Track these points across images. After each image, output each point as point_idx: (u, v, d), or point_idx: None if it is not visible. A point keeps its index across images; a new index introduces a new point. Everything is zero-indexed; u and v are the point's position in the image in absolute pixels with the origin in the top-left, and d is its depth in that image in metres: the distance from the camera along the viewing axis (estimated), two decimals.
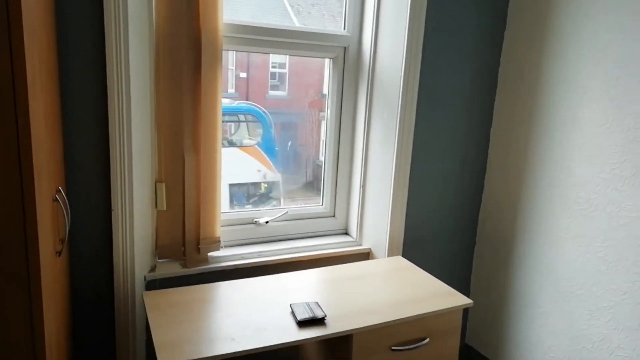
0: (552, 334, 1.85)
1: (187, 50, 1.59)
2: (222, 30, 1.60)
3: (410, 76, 1.81)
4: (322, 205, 2.10)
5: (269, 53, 1.88)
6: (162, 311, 1.38)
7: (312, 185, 2.10)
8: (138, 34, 1.46)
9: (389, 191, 1.90)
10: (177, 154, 1.65)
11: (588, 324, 1.72)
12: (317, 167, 2.09)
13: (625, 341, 1.61)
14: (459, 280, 2.20)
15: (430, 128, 1.94)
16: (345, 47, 1.94)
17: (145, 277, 1.63)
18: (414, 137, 1.91)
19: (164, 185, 1.66)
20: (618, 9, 1.59)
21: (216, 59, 1.61)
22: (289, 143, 2.04)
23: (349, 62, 1.96)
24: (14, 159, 0.89)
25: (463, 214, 2.12)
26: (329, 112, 2.01)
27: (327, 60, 1.97)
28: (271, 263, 1.83)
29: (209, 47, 1.59)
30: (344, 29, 1.95)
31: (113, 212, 1.50)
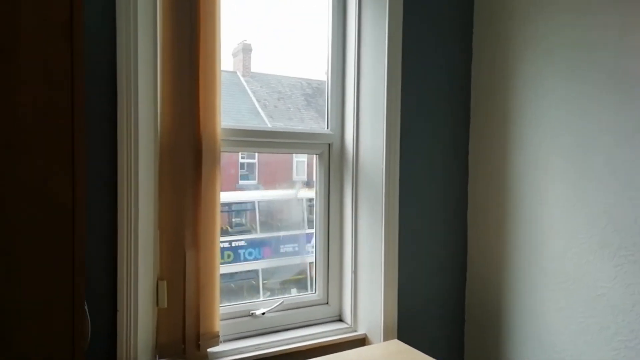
0: None
1: (188, 156, 1.72)
2: (220, 135, 1.76)
3: (391, 167, 1.99)
4: (315, 293, 2.16)
5: (261, 152, 2.04)
6: None
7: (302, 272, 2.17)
8: (145, 145, 1.60)
9: (380, 276, 2.00)
10: (179, 250, 1.72)
11: None
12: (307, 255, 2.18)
13: None
14: (452, 358, 2.23)
15: (413, 214, 2.09)
16: (329, 144, 2.13)
17: None
18: (399, 223, 2.04)
19: (165, 282, 1.70)
20: (569, 96, 1.85)
21: (215, 162, 1.75)
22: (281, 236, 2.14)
23: (334, 157, 2.13)
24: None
25: (451, 292, 2.22)
26: (317, 204, 2.14)
27: (313, 156, 2.15)
28: (269, 356, 1.84)
29: (209, 151, 1.73)
30: (327, 127, 2.15)
31: (118, 313, 1.53)
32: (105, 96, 1.53)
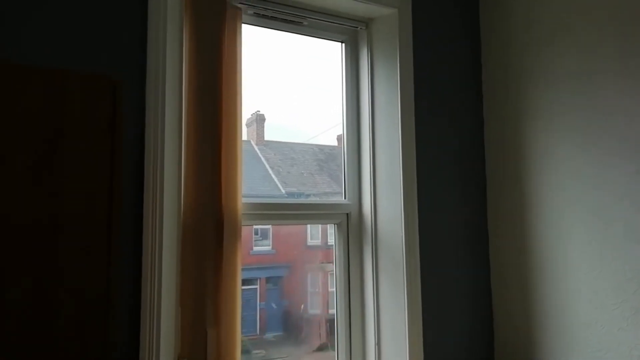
0: None
1: (209, 231, 1.75)
2: (241, 210, 1.80)
3: (410, 236, 1.99)
4: None
5: (280, 225, 2.06)
6: None
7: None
8: (169, 224, 1.64)
9: (405, 348, 1.94)
10: (200, 328, 1.71)
11: None
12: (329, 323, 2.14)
13: None
14: None
15: (436, 284, 2.06)
16: (347, 214, 2.15)
17: None
18: (422, 292, 2.01)
19: None
20: (589, 157, 1.86)
21: (236, 236, 1.78)
22: (302, 307, 2.11)
23: (352, 226, 2.15)
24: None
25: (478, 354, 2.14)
26: (336, 273, 2.13)
27: (332, 226, 2.16)
28: None
29: (230, 226, 1.77)
30: (345, 197, 2.18)
31: None
32: (131, 175, 1.59)
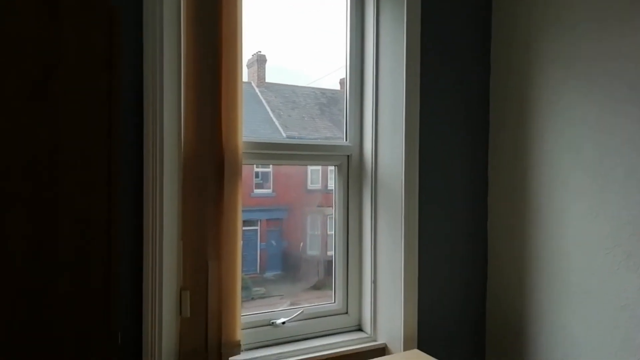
0: None
1: (210, 168, 1.77)
2: (241, 148, 1.81)
3: (410, 180, 2.00)
4: (334, 302, 2.17)
5: (280, 165, 2.07)
6: None
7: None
8: (169, 158, 1.65)
9: (400, 286, 2.00)
10: (201, 261, 1.76)
11: None
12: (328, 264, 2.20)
13: None
14: None
15: (433, 226, 2.10)
16: (348, 156, 2.16)
17: None
18: (419, 234, 2.05)
19: (188, 292, 1.74)
20: (590, 111, 1.84)
21: (236, 174, 1.79)
22: (301, 244, 2.17)
23: (353, 168, 2.16)
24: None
25: (472, 304, 2.21)
26: (336, 214, 2.16)
27: (333, 169, 2.18)
28: None
29: (231, 164, 1.78)
30: (346, 139, 2.18)
31: (144, 321, 1.58)
32: (131, 110, 1.59)
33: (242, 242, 1.80)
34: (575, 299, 1.86)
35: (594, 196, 1.81)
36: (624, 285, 1.71)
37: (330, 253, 2.18)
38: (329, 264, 2.19)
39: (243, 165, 1.80)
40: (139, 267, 1.60)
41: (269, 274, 2.11)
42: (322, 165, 2.15)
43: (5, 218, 0.99)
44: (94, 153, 1.07)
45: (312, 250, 2.20)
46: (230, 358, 1.80)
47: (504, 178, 2.16)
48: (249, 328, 1.94)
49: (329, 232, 2.19)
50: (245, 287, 2.00)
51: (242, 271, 1.81)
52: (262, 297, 2.05)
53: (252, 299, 2.06)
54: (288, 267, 2.14)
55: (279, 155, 2.01)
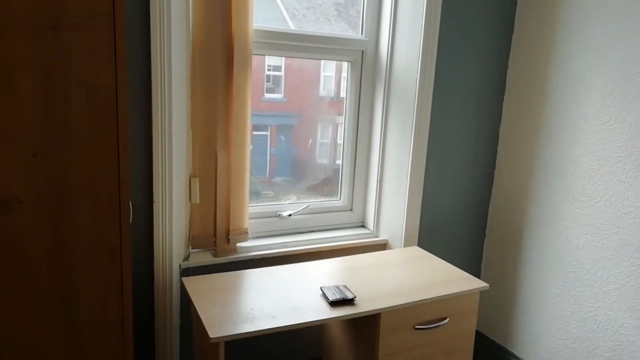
0: (560, 317, 1.97)
1: (220, 56, 1.71)
2: (252, 36, 1.73)
3: (426, 78, 1.94)
4: (340, 199, 2.22)
5: (291, 57, 2.00)
6: (203, 295, 1.49)
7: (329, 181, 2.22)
8: (178, 42, 1.58)
9: (406, 186, 2.03)
10: (210, 150, 1.77)
11: (594, 306, 1.84)
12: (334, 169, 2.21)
13: (629, 320, 1.73)
14: (469, 269, 2.32)
15: (444, 126, 2.07)
16: (362, 51, 2.07)
17: (180, 265, 1.74)
18: (429, 135, 2.03)
19: (197, 180, 1.77)
20: (621, 13, 1.72)
21: (247, 63, 1.73)
22: (310, 141, 2.16)
23: (367, 65, 2.08)
24: (115, 176, 1.08)
25: (474, 206, 2.25)
26: (346, 112, 2.13)
27: (344, 64, 2.10)
28: (294, 253, 1.95)
29: (241, 52, 1.71)
30: (362, 33, 2.07)
31: (155, 204, 1.62)
32: None
33: (251, 134, 1.79)
34: (578, 204, 1.89)
35: (612, 105, 1.75)
36: (628, 193, 1.72)
37: (339, 162, 2.18)
38: (336, 172, 2.20)
39: (255, 64, 1.73)
40: (149, 153, 1.61)
41: (278, 179, 2.13)
42: (335, 60, 2.07)
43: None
44: (98, 33, 1.02)
45: (321, 159, 2.19)
46: (237, 244, 1.88)
47: (523, 81, 2.09)
48: (256, 218, 2.00)
49: (338, 141, 2.17)
50: (254, 191, 2.03)
51: (252, 175, 1.82)
52: (271, 200, 2.09)
53: (261, 201, 2.10)
54: (297, 173, 2.15)
55: (291, 47, 1.92)
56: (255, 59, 1.91)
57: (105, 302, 1.20)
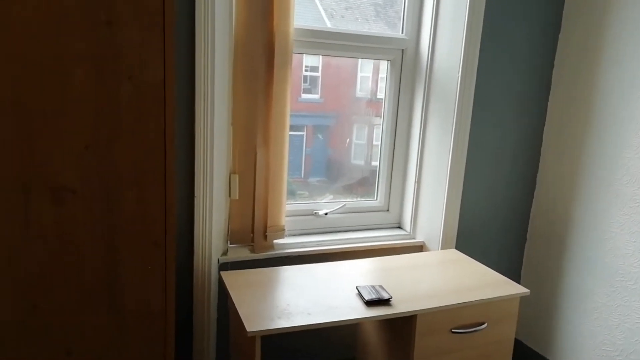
0: (605, 327, 1.89)
1: (261, 54, 1.73)
2: (292, 35, 1.74)
3: (467, 78, 1.90)
4: (376, 200, 2.21)
5: (332, 55, 2.00)
6: (241, 289, 1.52)
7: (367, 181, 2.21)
8: (221, 40, 1.62)
9: (444, 188, 2.00)
10: (250, 148, 1.80)
11: None
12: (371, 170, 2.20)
13: None
14: (509, 274, 2.25)
15: (484, 127, 2.02)
16: (402, 50, 2.05)
17: (219, 259, 1.78)
18: (470, 136, 1.99)
19: (237, 176, 1.81)
20: None
21: (287, 62, 1.75)
22: (347, 140, 2.15)
23: (406, 64, 2.06)
24: (161, 169, 1.12)
25: (515, 209, 2.19)
26: (385, 111, 2.12)
27: (382, 64, 2.08)
28: (330, 252, 1.95)
29: (281, 50, 1.73)
30: (402, 32, 2.06)
31: (195, 199, 1.66)
32: None
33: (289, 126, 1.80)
34: (626, 210, 1.81)
35: None
36: None
37: (375, 163, 2.17)
38: (372, 173, 2.19)
39: (293, 55, 1.75)
40: (191, 149, 1.65)
41: (312, 179, 2.14)
42: (374, 59, 2.06)
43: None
44: (149, 29, 1.05)
45: (357, 160, 2.19)
46: (274, 240, 1.90)
47: (569, 80, 2.02)
48: (293, 216, 2.02)
49: (374, 143, 2.16)
50: (289, 190, 2.04)
51: (287, 175, 1.84)
52: (306, 199, 2.10)
53: (297, 200, 2.11)
54: (332, 173, 2.16)
55: (330, 45, 1.93)
56: (293, 59, 1.94)
57: (149, 292, 1.24)
